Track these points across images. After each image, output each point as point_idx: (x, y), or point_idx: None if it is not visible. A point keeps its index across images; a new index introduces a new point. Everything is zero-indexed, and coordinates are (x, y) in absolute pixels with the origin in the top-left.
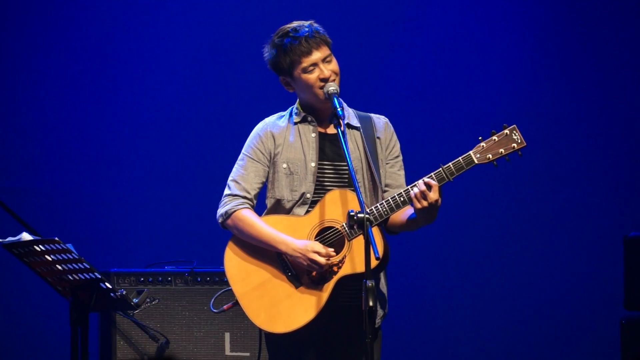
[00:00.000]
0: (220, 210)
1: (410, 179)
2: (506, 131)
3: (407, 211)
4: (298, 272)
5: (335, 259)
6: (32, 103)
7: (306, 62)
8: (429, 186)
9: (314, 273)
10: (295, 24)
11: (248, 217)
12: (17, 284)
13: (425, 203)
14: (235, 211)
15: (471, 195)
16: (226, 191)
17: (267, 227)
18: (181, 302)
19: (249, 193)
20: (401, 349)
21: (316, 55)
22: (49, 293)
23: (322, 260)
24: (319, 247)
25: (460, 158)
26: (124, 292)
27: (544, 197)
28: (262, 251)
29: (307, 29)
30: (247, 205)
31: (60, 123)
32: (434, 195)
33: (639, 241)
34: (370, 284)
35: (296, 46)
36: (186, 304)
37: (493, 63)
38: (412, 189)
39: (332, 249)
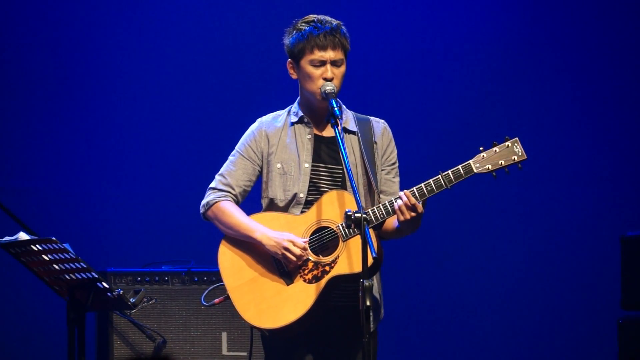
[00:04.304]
0: (202, 202)
1: (409, 185)
2: (508, 143)
3: (396, 219)
4: (290, 270)
5: (328, 259)
6: (29, 103)
7: (316, 55)
8: (410, 202)
9: (289, 263)
10: (323, 17)
11: (227, 208)
12: (14, 283)
13: (407, 215)
14: (216, 202)
15: (467, 196)
16: (211, 184)
17: (244, 217)
18: (178, 302)
19: (232, 189)
20: (398, 352)
21: (329, 54)
22: (46, 293)
23: (295, 250)
24: (294, 237)
25: (459, 166)
26: (121, 292)
27: (541, 197)
28: (256, 247)
29: (331, 26)
30: (229, 198)
31: (57, 123)
32: (414, 212)
33: (636, 241)
34: (367, 284)
35: (314, 37)
36: (183, 304)
37: (492, 65)
38: (395, 202)
39: (307, 239)
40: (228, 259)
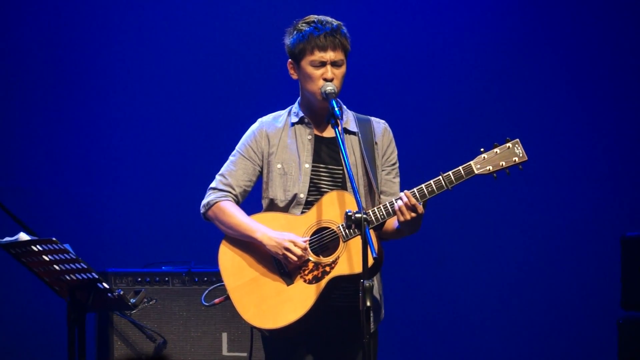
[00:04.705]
0: (203, 202)
1: (410, 186)
2: (508, 144)
3: (396, 220)
4: (291, 270)
5: (328, 260)
6: (29, 103)
7: (317, 56)
8: (410, 202)
9: (289, 264)
10: (323, 17)
11: (227, 208)
12: (15, 284)
13: (408, 216)
14: (216, 202)
15: (467, 196)
16: (211, 184)
17: (245, 217)
18: (178, 302)
19: (233, 189)
20: (398, 352)
21: (329, 55)
22: (46, 293)
23: (296, 250)
24: (295, 237)
25: (460, 167)
26: (122, 292)
27: (540, 197)
28: (257, 248)
29: (332, 27)
30: (230, 198)
31: (57, 123)
32: (414, 213)
33: (636, 241)
34: (367, 284)
35: (314, 38)
36: (183, 304)
37: (492, 66)
38: (396, 202)
39: (307, 239)
40: (228, 259)
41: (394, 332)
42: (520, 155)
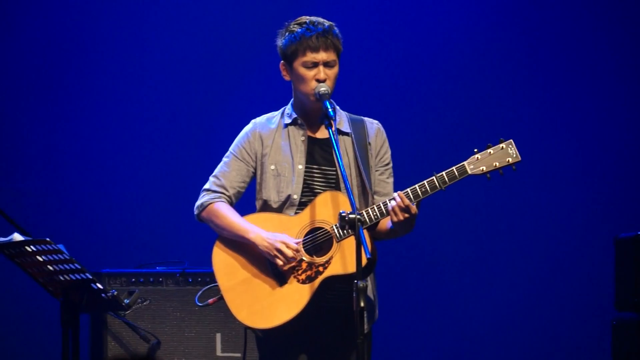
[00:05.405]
0: (196, 203)
1: (403, 186)
2: (502, 145)
3: (390, 220)
4: (284, 270)
5: (322, 260)
6: (22, 104)
7: (309, 57)
8: (404, 203)
9: (281, 265)
10: (315, 18)
11: (221, 209)
12: (8, 284)
13: (401, 217)
14: (210, 204)
15: (461, 197)
16: (205, 186)
17: (238, 218)
18: (172, 303)
19: (226, 190)
20: (392, 353)
21: (321, 56)
22: (40, 294)
23: (288, 252)
24: (287, 238)
25: (454, 168)
26: (115, 293)
27: (534, 199)
28: (250, 248)
29: (323, 27)
30: (223, 199)
31: (51, 124)
32: (407, 214)
33: (630, 242)
34: (361, 285)
35: (306, 39)
36: (177, 305)
37: (486, 67)
38: (389, 203)
39: (300, 240)
40: (222, 259)
41: (388, 332)
42: (514, 155)
